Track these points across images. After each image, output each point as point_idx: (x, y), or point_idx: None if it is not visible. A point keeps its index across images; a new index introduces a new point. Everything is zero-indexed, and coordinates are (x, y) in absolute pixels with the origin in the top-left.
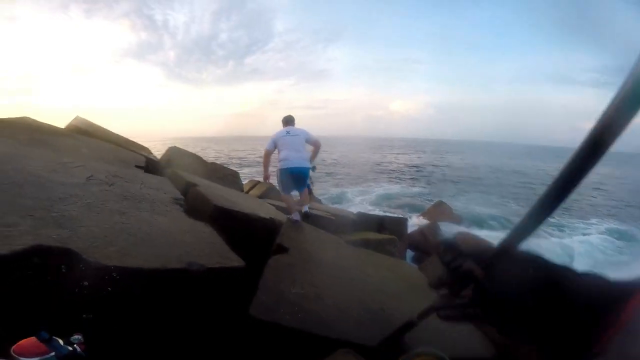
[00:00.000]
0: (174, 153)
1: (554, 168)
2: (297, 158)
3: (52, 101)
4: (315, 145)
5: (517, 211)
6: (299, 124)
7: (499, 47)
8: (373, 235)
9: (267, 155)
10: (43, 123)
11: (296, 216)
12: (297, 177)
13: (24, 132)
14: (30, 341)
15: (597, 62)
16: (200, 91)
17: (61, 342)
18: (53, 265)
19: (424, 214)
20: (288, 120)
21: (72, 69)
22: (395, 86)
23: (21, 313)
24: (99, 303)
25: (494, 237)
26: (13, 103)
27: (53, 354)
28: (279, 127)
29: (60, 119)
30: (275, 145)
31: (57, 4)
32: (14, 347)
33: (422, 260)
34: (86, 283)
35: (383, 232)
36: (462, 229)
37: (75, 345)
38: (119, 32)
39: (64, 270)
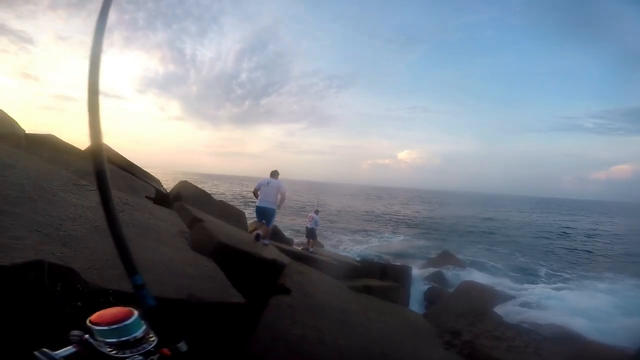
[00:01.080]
0: (184, 188)
1: (559, 221)
2: (267, 202)
3: (79, 121)
4: (283, 195)
5: (523, 262)
6: (305, 168)
7: (509, 97)
8: (375, 282)
9: (255, 192)
10: (66, 143)
11: (257, 237)
12: (264, 212)
13: (47, 150)
14: (108, 311)
15: (601, 107)
16: (215, 128)
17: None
18: (49, 282)
19: (430, 262)
20: (273, 174)
21: (102, 93)
22: (402, 135)
23: (11, 320)
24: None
25: (496, 283)
26: (44, 121)
27: (132, 319)
28: (285, 171)
29: (84, 138)
30: (259, 187)
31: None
32: (90, 317)
33: (427, 307)
34: (79, 303)
35: (386, 279)
36: (465, 274)
37: None
38: (150, 61)
39: (59, 288)
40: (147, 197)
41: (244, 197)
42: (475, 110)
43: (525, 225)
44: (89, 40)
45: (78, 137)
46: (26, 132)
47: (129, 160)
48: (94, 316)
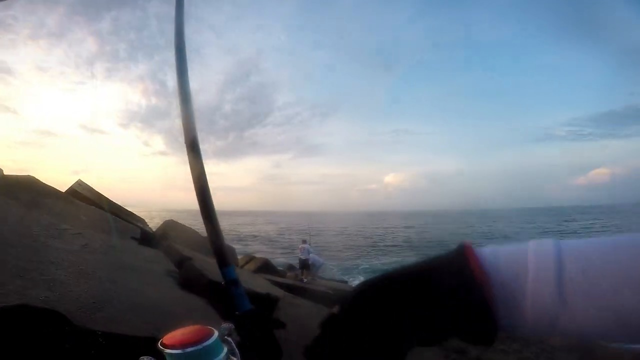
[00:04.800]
0: (170, 226)
1: (549, 229)
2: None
3: (59, 158)
4: (304, 250)
5: None
6: (295, 199)
7: (486, 113)
8: None
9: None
10: (46, 185)
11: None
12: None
13: (26, 193)
14: (182, 331)
15: (571, 114)
16: None
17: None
18: (36, 326)
19: None
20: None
21: (83, 127)
22: (387, 159)
23: None
24: None
25: None
26: (23, 157)
27: (213, 338)
28: (276, 202)
29: (64, 176)
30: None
31: (85, 59)
32: (162, 339)
33: None
34: (68, 346)
35: None
36: None
37: (225, 337)
38: (133, 94)
39: (46, 331)
40: (132, 237)
41: (235, 232)
42: (455, 129)
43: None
44: (67, 72)
45: (58, 175)
46: (4, 172)
47: (112, 201)
48: (167, 337)
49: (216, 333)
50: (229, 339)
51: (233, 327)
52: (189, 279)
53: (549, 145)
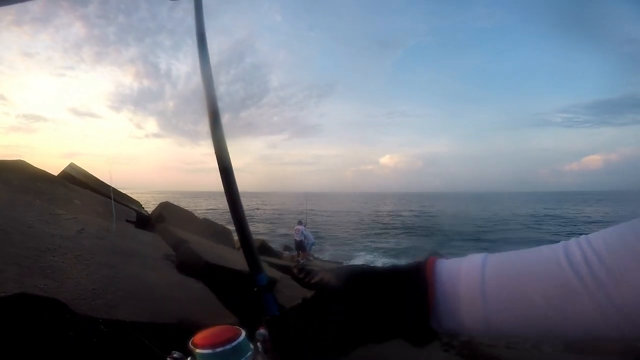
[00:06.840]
0: (165, 208)
1: (541, 214)
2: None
3: (50, 142)
4: (299, 232)
5: None
6: (291, 180)
7: (481, 97)
8: None
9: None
10: (37, 169)
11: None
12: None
13: (17, 178)
14: (212, 330)
15: (568, 101)
16: (195, 144)
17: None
18: (37, 315)
19: None
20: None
21: (74, 111)
22: (383, 140)
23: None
24: (86, 353)
25: None
26: (13, 143)
27: (240, 338)
28: (271, 183)
29: (56, 160)
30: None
31: (73, 43)
32: (193, 338)
33: None
34: (71, 333)
35: None
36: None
37: (258, 342)
38: (124, 77)
39: (48, 321)
40: (127, 221)
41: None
42: (451, 111)
43: (505, 219)
44: (54, 57)
45: (49, 159)
46: None
47: (106, 184)
48: (197, 337)
49: (243, 333)
50: (259, 341)
51: (267, 334)
52: (186, 262)
53: (544, 130)
